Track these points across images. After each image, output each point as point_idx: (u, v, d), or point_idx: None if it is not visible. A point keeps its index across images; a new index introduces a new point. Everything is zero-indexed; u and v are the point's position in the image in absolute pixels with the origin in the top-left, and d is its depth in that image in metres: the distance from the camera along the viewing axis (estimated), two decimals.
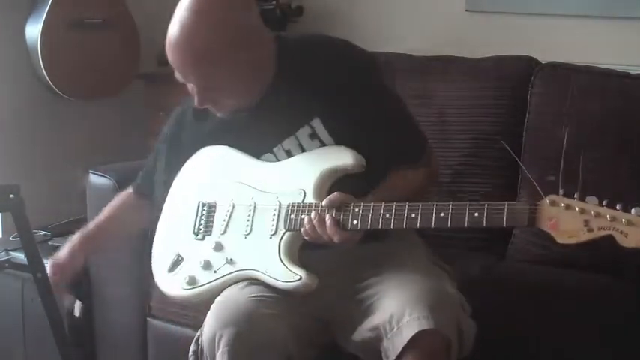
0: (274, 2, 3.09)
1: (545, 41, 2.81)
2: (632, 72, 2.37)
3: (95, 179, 2.47)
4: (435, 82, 2.46)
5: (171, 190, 2.08)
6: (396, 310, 1.67)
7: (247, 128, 1.94)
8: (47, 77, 2.94)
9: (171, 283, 1.96)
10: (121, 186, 2.36)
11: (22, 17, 2.97)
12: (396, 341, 1.66)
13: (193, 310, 2.30)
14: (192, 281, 1.91)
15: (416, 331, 1.63)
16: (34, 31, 2.93)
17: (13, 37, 2.99)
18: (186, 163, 2.06)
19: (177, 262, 1.96)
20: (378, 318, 1.71)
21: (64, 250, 2.09)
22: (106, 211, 2.18)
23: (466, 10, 2.98)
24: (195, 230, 1.96)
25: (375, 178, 1.87)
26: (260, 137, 1.94)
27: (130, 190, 2.20)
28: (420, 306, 1.65)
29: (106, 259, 2.48)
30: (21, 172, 3.03)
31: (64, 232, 3.00)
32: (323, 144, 1.89)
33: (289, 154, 1.92)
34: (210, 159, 2.02)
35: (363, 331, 1.75)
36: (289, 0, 3.20)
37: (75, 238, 2.12)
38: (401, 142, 1.92)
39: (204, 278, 1.90)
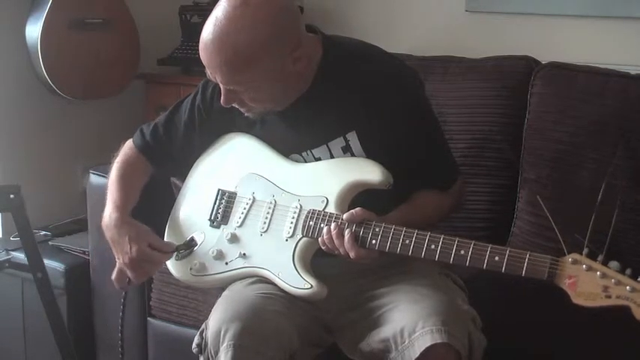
0: None
1: (545, 41, 2.81)
2: (632, 72, 2.37)
3: (95, 179, 2.47)
4: (435, 82, 2.46)
5: (193, 169, 2.05)
6: (408, 322, 1.66)
7: (280, 126, 1.91)
8: (47, 77, 2.94)
9: (179, 266, 1.95)
10: None
11: (22, 17, 2.97)
12: (407, 354, 1.64)
13: (193, 309, 2.31)
14: (201, 268, 1.91)
15: (429, 344, 1.61)
16: (34, 31, 2.93)
17: (13, 37, 2.99)
18: (213, 145, 2.03)
19: (188, 246, 1.95)
20: (387, 330, 1.70)
21: (129, 236, 1.89)
22: (126, 180, 2.02)
23: (466, 10, 2.98)
24: (212, 217, 1.95)
25: (399, 197, 1.85)
26: (291, 138, 1.91)
27: (135, 147, 2.06)
28: (433, 319, 1.64)
29: (106, 259, 2.47)
30: (21, 172, 3.03)
31: (64, 232, 3.01)
32: None
33: (318, 161, 1.89)
34: (239, 147, 1.99)
35: (371, 342, 1.74)
36: None
37: (120, 220, 1.93)
38: (435, 168, 1.90)
39: (215, 268, 1.90)
